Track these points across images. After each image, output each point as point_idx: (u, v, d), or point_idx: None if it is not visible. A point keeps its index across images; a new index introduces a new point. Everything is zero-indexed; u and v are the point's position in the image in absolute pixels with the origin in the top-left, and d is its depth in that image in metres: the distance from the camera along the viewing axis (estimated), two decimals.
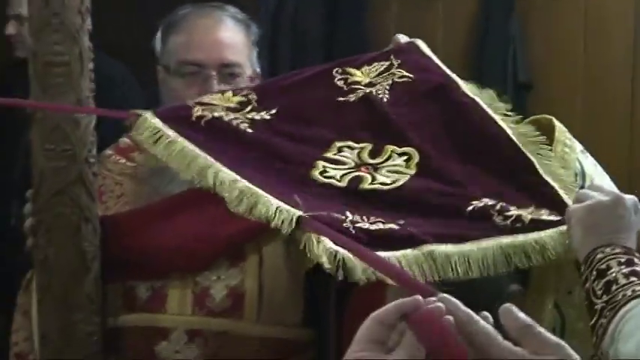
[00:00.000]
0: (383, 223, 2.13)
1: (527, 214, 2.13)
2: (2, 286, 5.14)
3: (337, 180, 2.31)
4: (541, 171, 2.25)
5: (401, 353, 1.39)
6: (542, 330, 1.40)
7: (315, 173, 2.32)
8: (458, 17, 5.09)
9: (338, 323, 2.82)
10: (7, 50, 5.19)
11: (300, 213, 2.10)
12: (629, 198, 1.98)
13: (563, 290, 2.14)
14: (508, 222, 2.13)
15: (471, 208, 2.17)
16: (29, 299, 2.91)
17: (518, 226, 2.11)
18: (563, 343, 1.38)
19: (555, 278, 2.13)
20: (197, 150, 2.30)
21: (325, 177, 2.31)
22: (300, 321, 2.81)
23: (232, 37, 2.86)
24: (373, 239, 2.05)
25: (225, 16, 2.89)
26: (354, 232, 2.09)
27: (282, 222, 2.12)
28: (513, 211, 2.13)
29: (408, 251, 2.04)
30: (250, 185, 2.22)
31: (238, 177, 2.24)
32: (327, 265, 2.03)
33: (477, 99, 2.44)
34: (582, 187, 2.23)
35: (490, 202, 2.17)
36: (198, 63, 2.78)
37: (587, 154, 2.28)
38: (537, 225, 2.11)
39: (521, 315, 1.43)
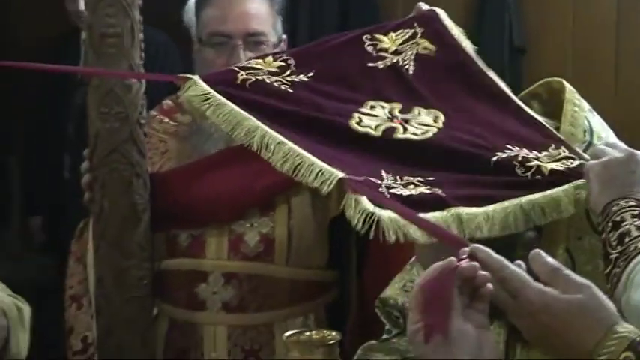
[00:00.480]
0: (415, 185, 2.09)
1: (546, 163, 2.08)
2: (56, 233, 5.19)
3: (373, 130, 2.25)
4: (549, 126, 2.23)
5: None
6: (569, 272, 1.41)
7: (352, 123, 2.26)
8: None
9: (359, 264, 2.92)
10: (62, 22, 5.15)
11: (341, 175, 2.05)
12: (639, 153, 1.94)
13: (573, 237, 2.09)
14: (529, 174, 2.07)
15: (495, 159, 2.12)
16: (82, 246, 2.96)
17: (538, 179, 2.06)
18: (589, 282, 1.39)
19: (566, 226, 2.07)
20: (244, 113, 2.25)
21: (362, 127, 2.26)
22: (325, 263, 2.85)
23: (257, 9, 2.85)
24: (406, 204, 2.00)
25: None
26: (388, 196, 2.04)
27: (322, 183, 2.07)
28: (534, 162, 2.08)
29: (437, 213, 1.98)
30: (295, 147, 2.16)
31: (283, 139, 2.18)
32: (359, 227, 1.97)
33: (489, 72, 2.41)
34: (590, 142, 2.20)
35: (513, 152, 2.13)
36: (226, 34, 2.79)
37: (594, 113, 2.25)
38: (556, 177, 2.06)
39: (550, 259, 1.44)
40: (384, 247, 2.29)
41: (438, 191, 2.06)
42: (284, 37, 2.95)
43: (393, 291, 2.50)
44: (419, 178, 2.11)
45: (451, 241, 1.72)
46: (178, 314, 2.81)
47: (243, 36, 2.78)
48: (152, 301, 2.75)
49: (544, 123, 2.24)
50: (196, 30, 2.91)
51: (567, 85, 2.30)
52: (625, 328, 1.35)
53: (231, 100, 2.28)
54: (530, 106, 2.32)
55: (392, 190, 2.06)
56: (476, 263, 1.40)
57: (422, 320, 1.39)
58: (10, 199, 6.33)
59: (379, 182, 2.08)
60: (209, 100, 2.29)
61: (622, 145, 2.01)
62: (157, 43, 4.71)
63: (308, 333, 2.26)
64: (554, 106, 2.32)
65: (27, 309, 2.71)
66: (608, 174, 1.91)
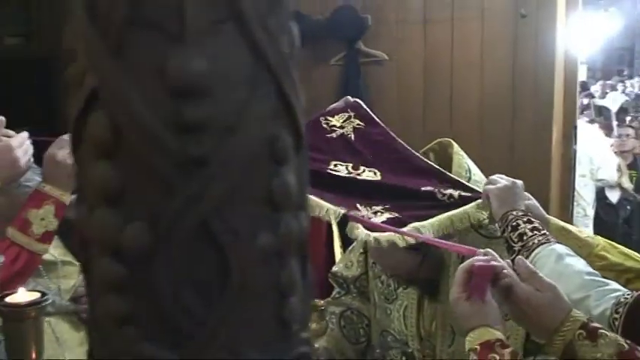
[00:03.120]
0: (381, 212, 2.05)
1: (455, 192, 2.06)
2: None
3: (342, 174, 2.20)
4: (449, 174, 2.19)
5: None
6: (542, 275, 1.36)
7: (329, 171, 2.20)
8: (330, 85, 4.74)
9: None
10: None
11: (343, 210, 2.01)
12: (519, 181, 1.96)
13: (463, 233, 2.06)
14: (446, 197, 2.05)
15: (422, 189, 2.09)
16: None
17: (452, 200, 2.05)
18: (554, 284, 1.34)
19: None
20: None
21: (335, 172, 2.20)
22: None
23: None
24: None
25: None
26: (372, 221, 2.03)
27: (332, 216, 2.02)
28: (447, 191, 2.07)
29: (404, 229, 1.96)
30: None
31: None
32: (362, 239, 2.02)
33: (398, 139, 2.34)
34: (470, 178, 2.18)
35: (432, 187, 2.10)
36: None
37: (470, 160, 2.26)
38: (464, 199, 2.05)
39: (530, 265, 1.40)
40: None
41: (396, 214, 2.02)
42: None
43: (339, 268, 2.43)
44: (380, 207, 2.06)
45: (462, 250, 1.73)
46: None
47: None
48: None
49: (440, 170, 2.20)
50: None
51: (453, 142, 2.28)
52: (577, 313, 1.31)
53: None
54: (428, 157, 2.28)
55: (372, 219, 2.01)
56: (505, 264, 1.37)
57: (464, 292, 1.35)
58: None
59: (362, 214, 2.04)
60: None
61: (505, 177, 2.00)
62: None
63: None
64: (444, 156, 2.28)
65: None
66: (502, 195, 1.90)
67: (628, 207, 4.85)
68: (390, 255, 2.07)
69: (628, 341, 1.25)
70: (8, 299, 0.98)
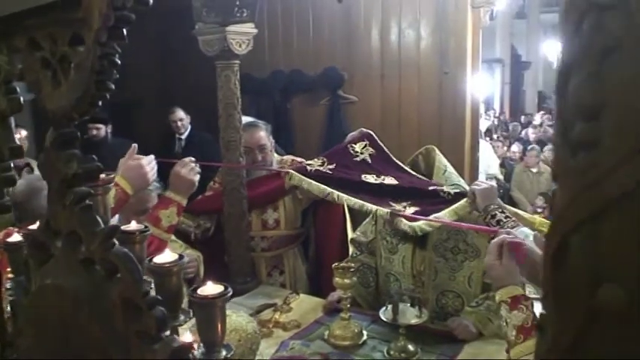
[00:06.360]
0: (409, 206, 1.90)
1: (451, 191, 1.94)
2: None
3: (372, 181, 2.06)
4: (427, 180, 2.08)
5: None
6: None
7: (362, 178, 2.07)
8: (320, 118, 4.58)
9: (315, 223, 2.69)
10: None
11: (388, 210, 1.87)
12: (494, 184, 1.89)
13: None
14: (446, 195, 1.93)
15: (429, 189, 1.97)
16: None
17: (450, 197, 1.93)
18: None
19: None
20: (322, 185, 2.05)
21: (366, 180, 2.06)
22: (300, 225, 2.64)
23: (260, 134, 2.47)
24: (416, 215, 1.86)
25: (258, 127, 2.51)
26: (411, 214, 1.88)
27: (381, 215, 1.89)
28: (446, 190, 1.95)
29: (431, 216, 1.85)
30: (352, 198, 1.97)
31: (347, 195, 1.99)
32: (409, 231, 1.83)
33: (397, 161, 2.20)
34: (445, 171, 2.08)
35: (434, 187, 1.98)
36: (249, 147, 2.41)
37: (448, 163, 2.14)
38: (456, 196, 1.93)
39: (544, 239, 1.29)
40: (325, 213, 2.44)
41: (419, 207, 1.90)
42: (273, 142, 2.59)
43: (357, 236, 2.33)
44: (406, 203, 1.94)
45: (483, 230, 1.59)
46: None
47: (257, 147, 2.45)
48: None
49: (423, 177, 2.09)
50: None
51: (436, 149, 2.17)
52: None
53: (309, 177, 2.10)
54: (418, 159, 2.18)
55: (405, 212, 1.88)
56: (524, 241, 1.26)
57: (497, 259, 1.23)
58: None
59: (396, 209, 1.88)
60: (304, 181, 2.10)
61: (485, 181, 1.93)
62: (206, 141, 4.06)
63: (341, 264, 1.98)
64: (428, 158, 2.19)
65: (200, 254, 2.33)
66: (484, 193, 1.82)
67: (500, 190, 4.99)
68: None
69: None
70: (199, 291, 0.87)
